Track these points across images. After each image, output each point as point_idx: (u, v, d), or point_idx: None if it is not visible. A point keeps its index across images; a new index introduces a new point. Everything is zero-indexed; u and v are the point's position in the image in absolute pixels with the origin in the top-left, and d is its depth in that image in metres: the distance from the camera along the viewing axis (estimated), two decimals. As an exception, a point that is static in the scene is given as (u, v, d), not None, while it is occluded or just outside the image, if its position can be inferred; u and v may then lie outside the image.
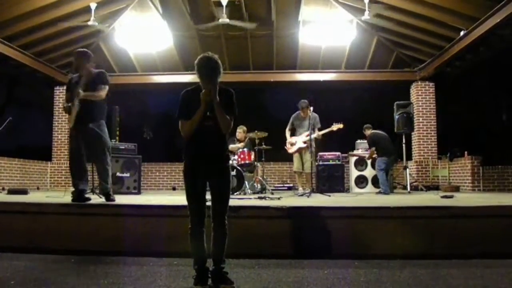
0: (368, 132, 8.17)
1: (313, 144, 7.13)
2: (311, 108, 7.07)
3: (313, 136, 7.02)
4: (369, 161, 8.49)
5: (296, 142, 7.33)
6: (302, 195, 6.79)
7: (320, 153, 8.43)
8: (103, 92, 4.75)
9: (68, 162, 5.09)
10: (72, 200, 4.45)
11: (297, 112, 7.43)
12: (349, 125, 7.70)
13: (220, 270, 2.77)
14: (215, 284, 2.75)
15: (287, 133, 7.48)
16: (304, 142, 7.15)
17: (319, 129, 7.26)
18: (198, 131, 2.79)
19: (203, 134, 2.79)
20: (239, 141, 8.08)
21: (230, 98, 2.88)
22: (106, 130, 4.88)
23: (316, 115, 7.21)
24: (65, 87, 5.10)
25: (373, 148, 7.97)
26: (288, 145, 7.47)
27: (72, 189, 4.68)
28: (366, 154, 8.41)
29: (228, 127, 2.83)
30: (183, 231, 3.75)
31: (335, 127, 7.24)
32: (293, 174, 10.05)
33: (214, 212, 2.82)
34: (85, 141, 4.71)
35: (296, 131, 7.42)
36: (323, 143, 7.78)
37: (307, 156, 7.15)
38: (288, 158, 8.11)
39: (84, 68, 4.79)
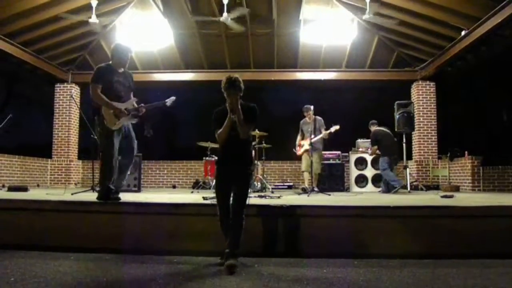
0: (373, 128, 8.18)
1: (319, 146, 7.56)
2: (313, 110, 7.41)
3: (319, 137, 7.45)
4: (370, 158, 8.56)
5: (303, 145, 7.73)
6: (305, 193, 6.91)
7: (321, 152, 8.49)
8: None
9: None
10: (99, 198, 4.33)
11: (304, 118, 7.83)
12: (350, 124, 7.75)
13: (233, 252, 3.26)
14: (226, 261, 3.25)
15: (298, 138, 7.91)
16: (310, 145, 7.36)
17: (326, 130, 7.58)
18: (226, 140, 3.42)
19: (229, 143, 3.44)
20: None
21: (251, 112, 3.46)
22: None
23: (320, 118, 7.62)
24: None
25: (375, 147, 7.98)
26: (297, 148, 7.91)
27: (72, 187, 4.66)
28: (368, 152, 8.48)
29: (245, 133, 3.41)
30: (183, 229, 3.80)
31: (333, 129, 7.52)
32: (293, 173, 10.20)
33: (234, 207, 3.35)
34: (127, 141, 4.73)
35: (305, 136, 7.82)
36: (325, 142, 7.87)
37: (312, 157, 7.28)
38: (289, 157, 8.17)
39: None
